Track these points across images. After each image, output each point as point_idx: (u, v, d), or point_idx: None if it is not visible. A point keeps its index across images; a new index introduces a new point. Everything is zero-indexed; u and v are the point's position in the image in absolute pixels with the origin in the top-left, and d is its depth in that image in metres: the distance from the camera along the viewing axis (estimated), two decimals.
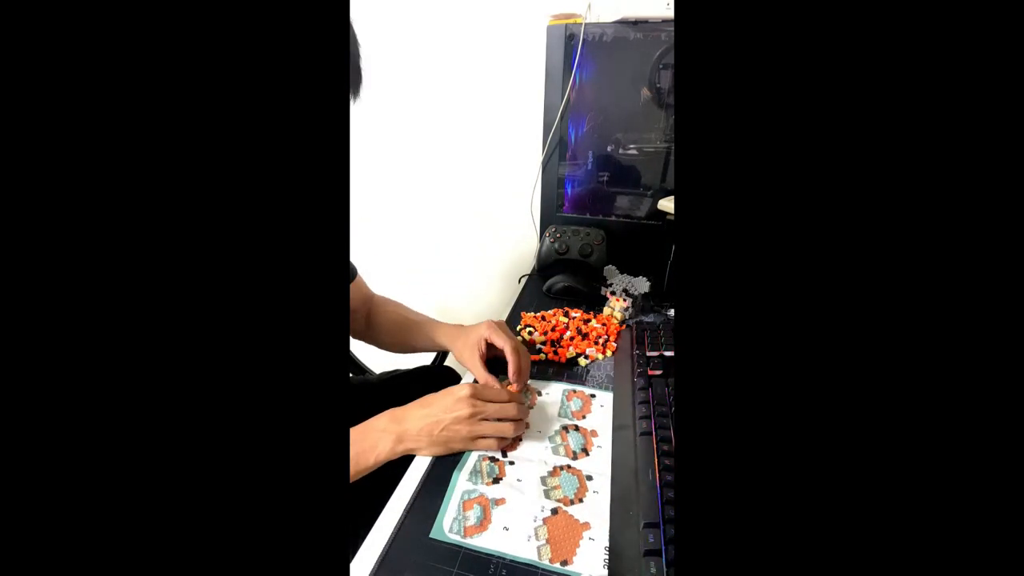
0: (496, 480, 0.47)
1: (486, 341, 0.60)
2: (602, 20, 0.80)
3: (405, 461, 0.50)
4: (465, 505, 0.45)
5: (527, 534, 0.42)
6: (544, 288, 0.82)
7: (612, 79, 0.83)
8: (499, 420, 0.51)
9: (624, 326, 0.72)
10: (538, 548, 0.41)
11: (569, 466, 0.49)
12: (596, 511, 0.44)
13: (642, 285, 0.84)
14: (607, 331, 0.70)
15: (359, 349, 0.98)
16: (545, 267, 0.86)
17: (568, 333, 0.70)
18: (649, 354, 0.60)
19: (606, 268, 0.87)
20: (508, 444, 0.52)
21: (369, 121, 1.05)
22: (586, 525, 0.43)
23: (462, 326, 0.67)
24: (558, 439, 0.53)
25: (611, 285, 0.84)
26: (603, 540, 0.42)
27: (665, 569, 0.36)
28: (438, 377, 0.83)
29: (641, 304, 0.78)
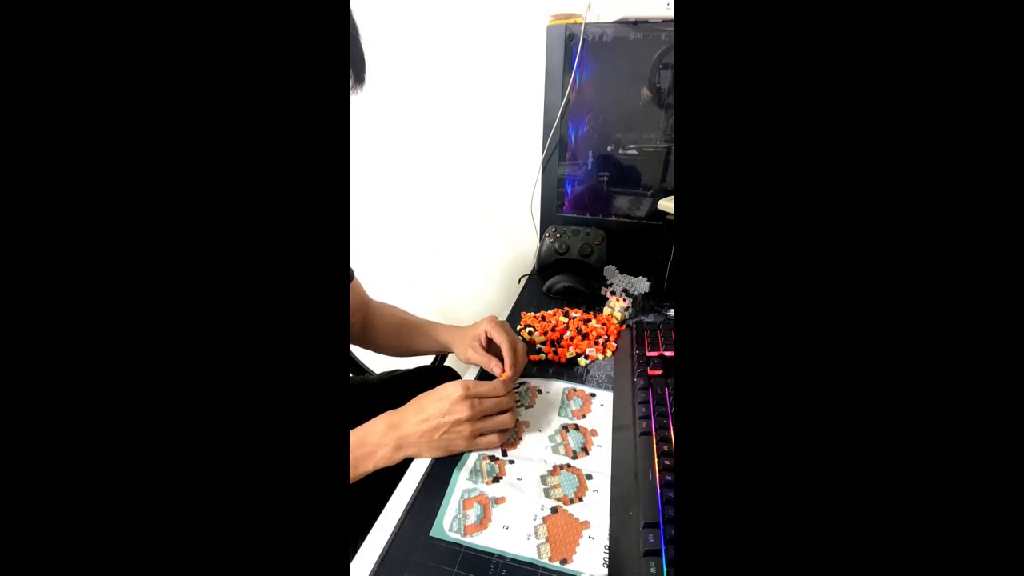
0: (496, 479, 0.47)
1: (486, 335, 0.62)
2: (602, 20, 0.80)
3: (405, 461, 0.50)
4: (465, 504, 0.45)
5: (527, 533, 0.42)
6: (544, 288, 0.82)
7: (612, 79, 0.83)
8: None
9: (624, 326, 0.72)
10: (538, 547, 0.41)
11: (569, 465, 0.49)
12: (596, 510, 0.44)
13: (642, 285, 0.84)
14: (607, 331, 0.70)
15: (359, 349, 0.98)
16: (545, 267, 0.86)
17: (568, 333, 0.70)
18: (649, 354, 0.60)
19: (606, 268, 0.87)
20: (509, 443, 0.52)
21: (369, 121, 1.05)
22: (586, 524, 0.43)
23: (459, 327, 0.68)
24: (558, 438, 0.53)
25: (611, 285, 0.84)
26: (603, 539, 0.42)
27: (665, 569, 0.36)
28: (438, 377, 0.83)
29: (641, 304, 0.78)
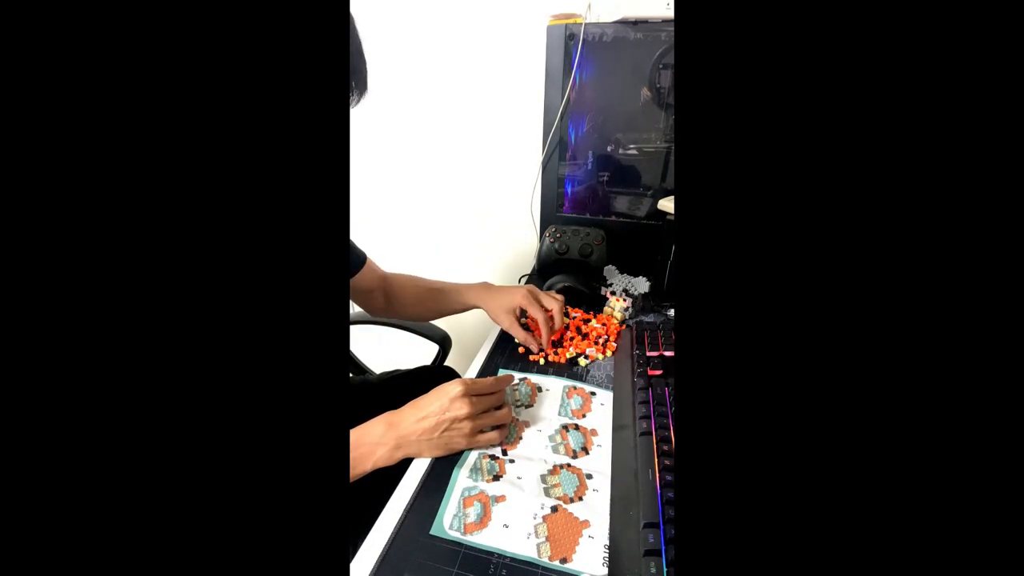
0: (496, 477, 0.48)
1: (521, 308, 0.65)
2: (602, 20, 0.80)
3: (405, 461, 0.50)
4: (465, 502, 0.45)
5: (527, 531, 0.42)
6: (544, 288, 0.82)
7: (612, 79, 0.83)
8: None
9: (624, 326, 0.72)
10: (538, 546, 0.41)
11: (569, 464, 0.49)
12: (596, 509, 0.44)
13: (642, 285, 0.84)
14: (607, 331, 0.70)
15: (359, 349, 0.98)
16: (545, 267, 0.86)
17: (568, 333, 0.70)
18: (649, 354, 0.60)
19: (606, 268, 0.87)
20: (509, 443, 0.52)
21: (369, 121, 1.05)
22: (586, 523, 0.43)
23: (491, 286, 0.71)
24: (558, 438, 0.53)
25: (611, 285, 0.84)
26: (603, 538, 0.42)
27: (665, 569, 0.36)
28: (439, 377, 0.83)
29: (641, 304, 0.78)
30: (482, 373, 0.63)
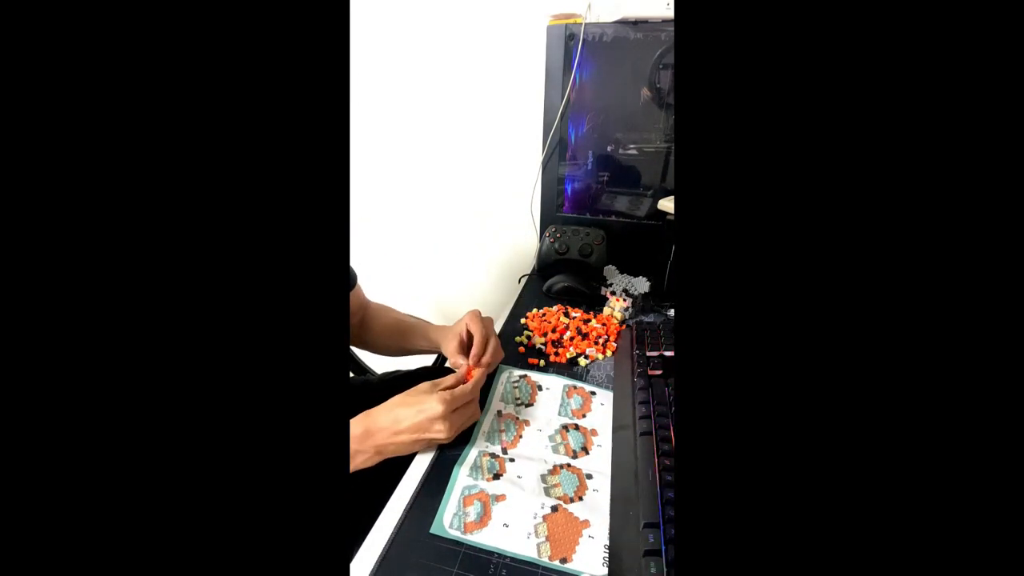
0: (496, 476, 0.48)
1: (467, 329, 0.63)
2: (602, 20, 0.80)
3: (406, 461, 0.50)
4: (465, 501, 0.45)
5: (527, 531, 0.42)
6: (544, 288, 0.82)
7: (612, 79, 0.83)
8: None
9: (624, 326, 0.72)
10: (538, 545, 0.41)
11: (569, 464, 0.49)
12: (596, 509, 0.44)
13: (642, 285, 0.84)
14: (607, 331, 0.70)
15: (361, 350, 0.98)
16: (545, 267, 0.86)
17: (568, 333, 0.70)
18: (649, 354, 0.60)
19: (606, 268, 0.87)
20: (509, 442, 0.52)
21: (369, 121, 1.05)
22: (586, 523, 0.43)
23: (446, 326, 0.69)
24: (558, 438, 0.53)
25: (611, 285, 0.84)
26: (603, 538, 0.42)
27: (665, 569, 0.36)
28: (439, 377, 0.83)
29: (641, 304, 0.78)
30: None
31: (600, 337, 0.69)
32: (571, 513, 0.44)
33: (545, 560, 0.40)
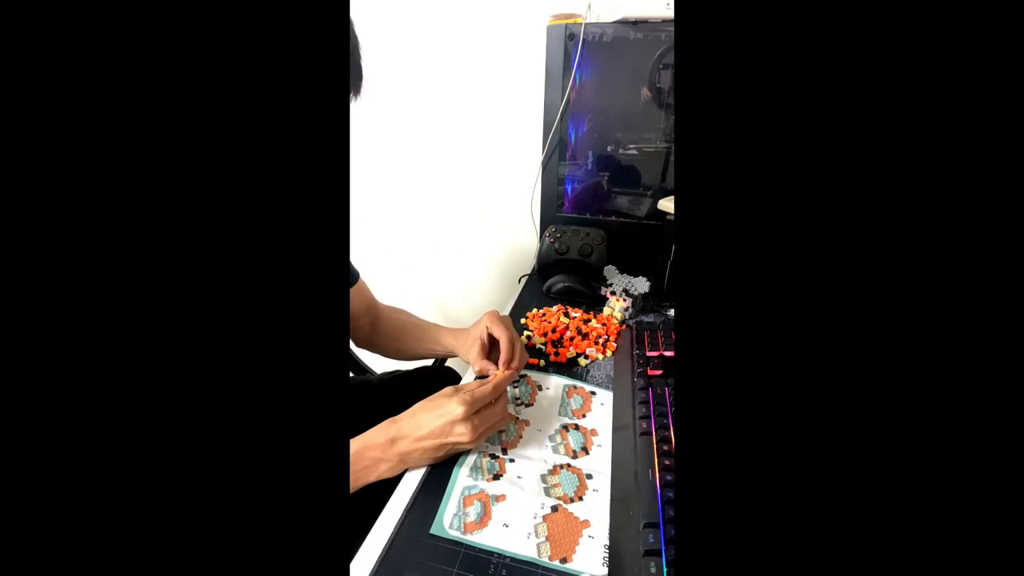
0: (496, 476, 0.48)
1: (488, 332, 0.61)
2: (602, 20, 0.80)
3: None
4: (465, 501, 0.45)
5: (527, 531, 0.42)
6: (544, 288, 0.82)
7: (612, 79, 0.83)
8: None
9: (624, 326, 0.72)
10: (538, 545, 0.41)
11: (569, 464, 0.49)
12: (596, 509, 0.44)
13: (642, 285, 0.84)
14: (607, 331, 0.70)
15: (361, 350, 0.98)
16: (545, 267, 0.86)
17: (568, 333, 0.70)
18: (649, 354, 0.60)
19: (606, 268, 0.87)
20: (509, 442, 0.52)
21: (369, 121, 1.05)
22: (586, 523, 0.43)
23: (461, 329, 0.68)
24: (558, 438, 0.53)
25: (611, 285, 0.84)
26: (603, 538, 0.42)
27: (665, 569, 0.36)
28: (439, 377, 0.83)
29: (641, 304, 0.78)
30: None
31: (600, 337, 0.69)
32: (571, 513, 0.44)
33: (545, 560, 0.40)
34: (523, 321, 0.74)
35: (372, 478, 0.48)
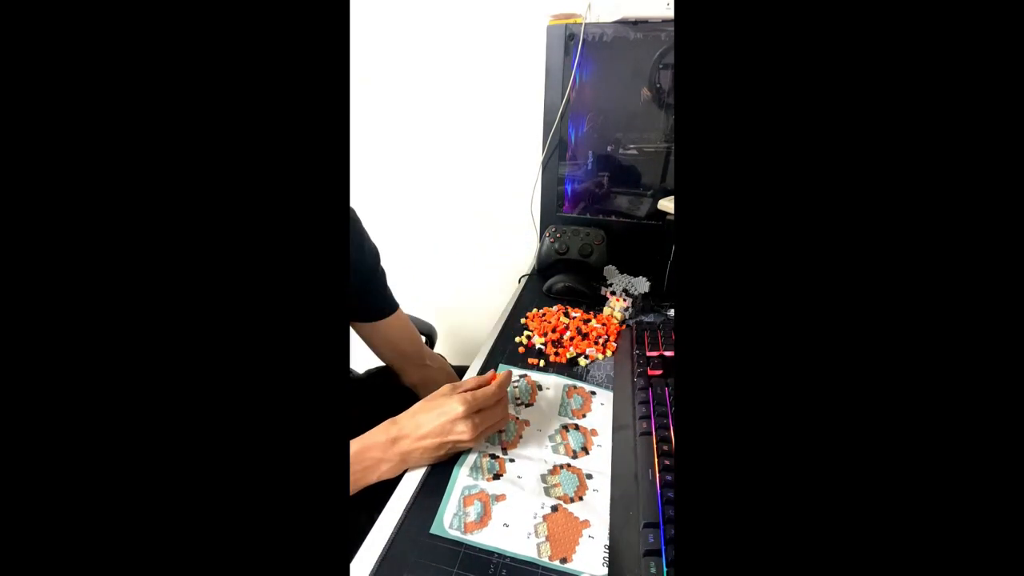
0: (496, 476, 0.48)
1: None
2: (602, 20, 0.80)
3: None
4: (466, 501, 0.45)
5: (527, 531, 0.42)
6: (544, 288, 0.82)
7: (612, 79, 0.83)
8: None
9: (624, 326, 0.72)
10: (538, 545, 0.41)
11: (569, 464, 0.49)
12: (596, 509, 0.44)
13: (642, 285, 0.84)
14: (607, 331, 0.70)
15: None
16: (545, 267, 0.86)
17: (568, 333, 0.70)
18: (649, 354, 0.60)
19: (606, 268, 0.87)
20: (509, 442, 0.52)
21: (369, 121, 1.05)
22: (586, 523, 0.43)
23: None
24: (558, 438, 0.53)
25: (611, 285, 0.84)
26: (603, 538, 0.42)
27: (665, 569, 0.36)
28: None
29: (641, 304, 0.78)
30: (482, 372, 0.63)
31: (600, 337, 0.69)
32: (571, 513, 0.44)
33: (545, 560, 0.40)
34: (523, 321, 0.74)
35: (373, 479, 0.48)
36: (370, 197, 1.14)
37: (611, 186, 0.90)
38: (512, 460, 0.50)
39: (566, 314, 0.75)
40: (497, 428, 0.51)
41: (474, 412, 0.48)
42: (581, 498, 0.46)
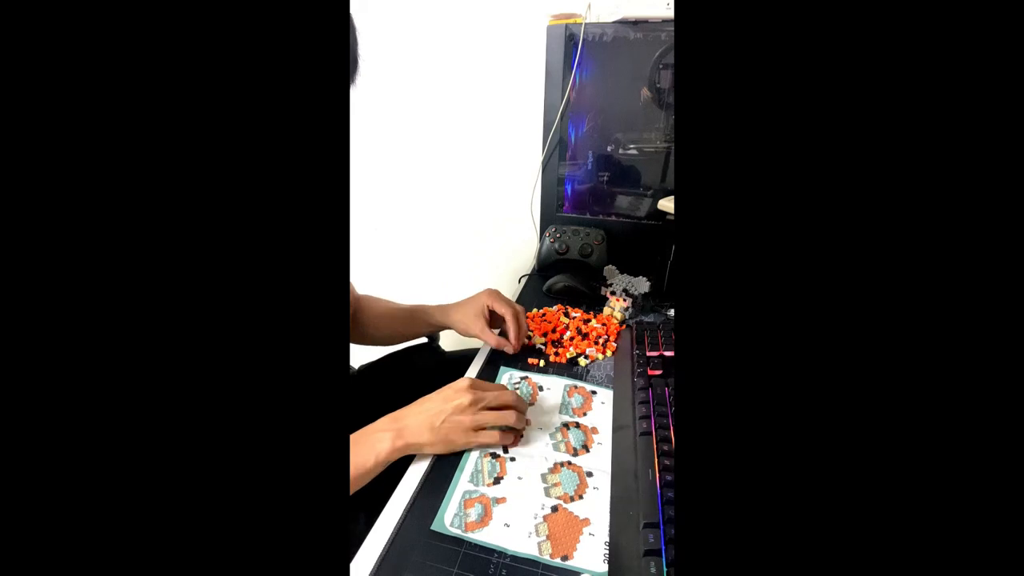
0: (497, 480, 0.48)
1: (488, 308, 0.64)
2: (602, 20, 0.80)
3: (406, 461, 0.49)
4: (466, 503, 0.45)
5: (528, 531, 0.42)
6: (544, 288, 0.82)
7: (612, 79, 0.83)
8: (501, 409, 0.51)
9: (624, 326, 0.72)
10: (539, 544, 0.41)
11: (570, 462, 0.49)
12: (596, 507, 0.45)
13: (642, 285, 0.84)
14: (607, 331, 0.70)
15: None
16: (545, 267, 0.86)
17: (568, 333, 0.70)
18: (649, 354, 0.60)
19: (606, 268, 0.87)
20: (511, 440, 0.52)
21: (369, 121, 1.05)
22: (586, 521, 0.43)
23: (455, 303, 0.69)
24: (559, 435, 0.53)
25: (611, 285, 0.84)
26: (603, 535, 0.42)
27: (665, 569, 0.36)
28: (419, 367, 0.82)
29: (641, 304, 0.78)
30: (482, 373, 0.63)
31: (600, 337, 0.69)
32: (571, 512, 0.44)
33: (546, 558, 0.40)
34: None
35: (371, 463, 0.46)
36: (370, 197, 1.14)
37: (611, 186, 0.90)
38: (513, 459, 0.50)
39: (566, 314, 0.75)
40: (498, 419, 0.50)
41: (477, 388, 0.50)
42: (581, 496, 0.46)
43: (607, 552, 0.40)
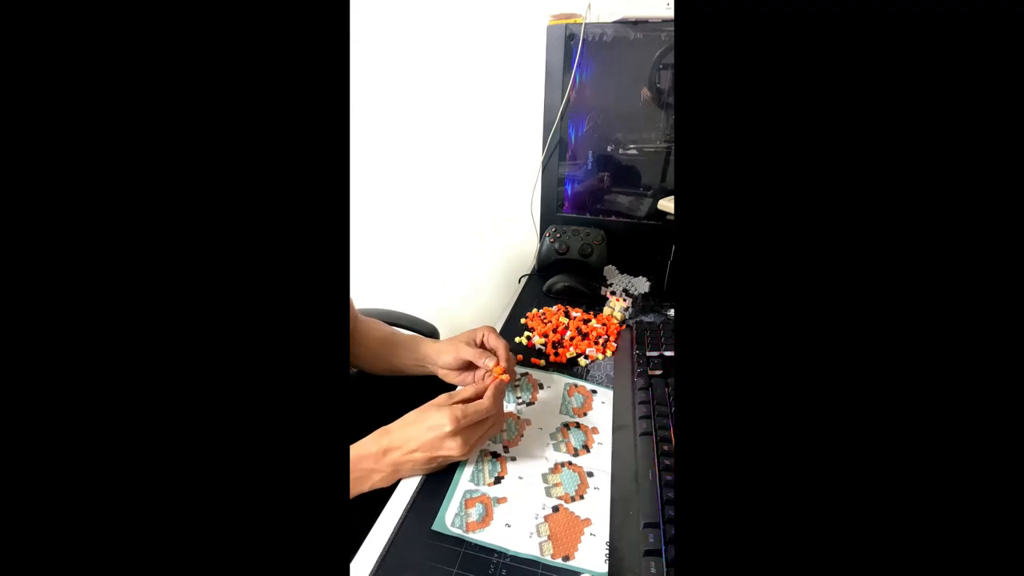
0: (498, 480, 0.48)
1: (483, 338, 0.59)
2: (602, 20, 0.80)
3: None
4: (467, 503, 0.45)
5: (529, 531, 0.42)
6: (544, 288, 0.82)
7: (612, 79, 0.83)
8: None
9: (624, 326, 0.72)
10: (540, 544, 0.41)
11: (570, 463, 0.49)
12: (597, 507, 0.45)
13: (642, 285, 0.84)
14: (607, 331, 0.70)
15: None
16: (545, 267, 0.86)
17: (568, 333, 0.70)
18: (649, 354, 0.60)
19: (606, 268, 0.87)
20: (511, 440, 0.52)
21: (369, 121, 1.05)
22: (587, 521, 0.43)
23: (447, 339, 0.65)
24: (559, 436, 0.53)
25: (611, 285, 0.84)
26: (604, 535, 0.42)
27: (665, 569, 0.36)
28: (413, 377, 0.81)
29: (641, 304, 0.78)
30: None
31: (600, 337, 0.69)
32: (572, 513, 0.44)
33: (547, 558, 0.40)
34: (523, 321, 0.74)
35: (366, 487, 0.47)
36: (370, 197, 1.14)
37: (611, 186, 0.90)
38: (513, 459, 0.50)
39: (566, 314, 0.75)
40: (490, 435, 0.50)
41: (464, 428, 0.46)
42: (582, 496, 0.46)
43: (608, 552, 0.40)
